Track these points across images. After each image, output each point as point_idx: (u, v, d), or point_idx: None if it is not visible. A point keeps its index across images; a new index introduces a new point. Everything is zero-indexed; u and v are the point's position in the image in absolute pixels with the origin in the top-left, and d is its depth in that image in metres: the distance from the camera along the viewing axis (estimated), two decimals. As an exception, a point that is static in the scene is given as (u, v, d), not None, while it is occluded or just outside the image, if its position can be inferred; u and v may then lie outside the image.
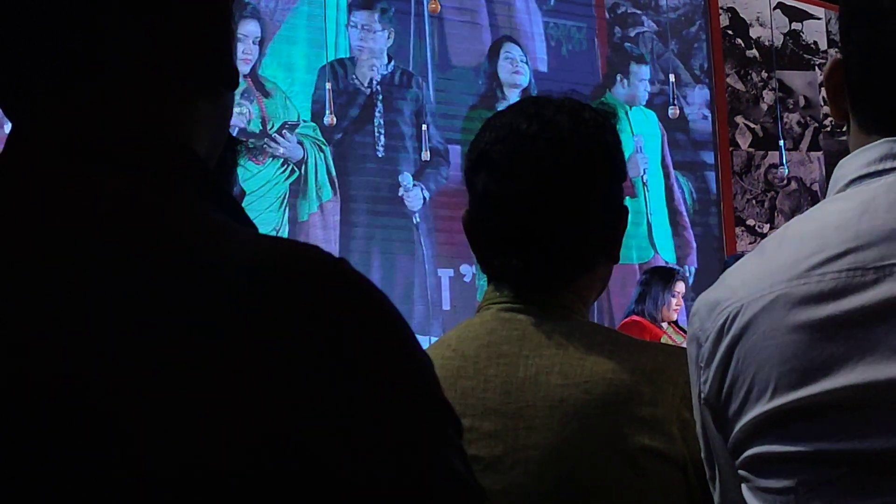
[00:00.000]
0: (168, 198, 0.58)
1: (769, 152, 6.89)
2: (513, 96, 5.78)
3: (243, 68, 5.11)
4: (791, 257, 0.82)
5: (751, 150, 6.96)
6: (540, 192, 1.09)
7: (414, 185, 5.58)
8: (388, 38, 5.64)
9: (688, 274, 5.95)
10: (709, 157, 6.66)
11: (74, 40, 0.61)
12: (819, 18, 7.22)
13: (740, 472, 0.86)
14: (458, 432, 0.58)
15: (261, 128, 5.28)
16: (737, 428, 0.84)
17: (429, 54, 5.72)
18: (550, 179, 1.09)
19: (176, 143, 0.62)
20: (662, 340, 4.28)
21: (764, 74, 7.04)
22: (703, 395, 0.88)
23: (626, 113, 6.27)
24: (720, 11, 6.99)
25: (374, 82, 5.54)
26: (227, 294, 0.52)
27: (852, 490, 0.77)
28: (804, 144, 7.07)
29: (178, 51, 0.64)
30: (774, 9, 7.05)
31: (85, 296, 0.51)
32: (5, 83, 0.62)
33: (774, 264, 0.83)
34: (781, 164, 6.18)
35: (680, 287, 4.48)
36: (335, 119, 5.14)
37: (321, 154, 5.42)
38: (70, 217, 0.55)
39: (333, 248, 5.16)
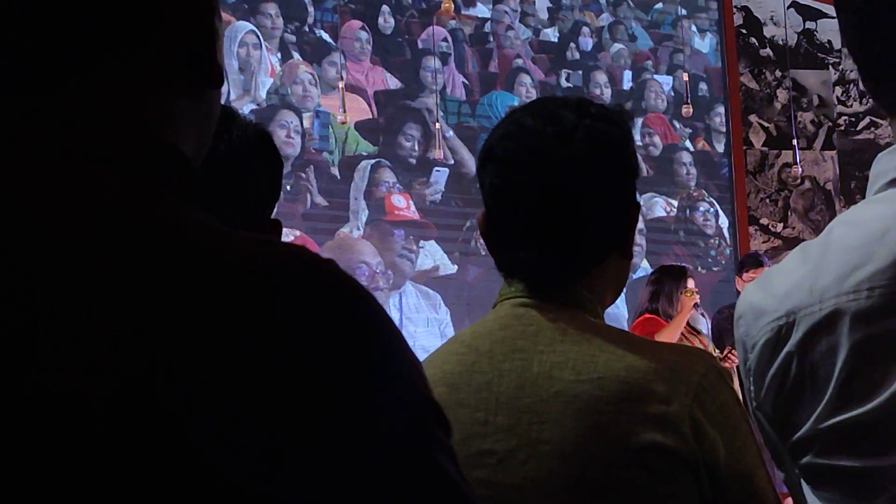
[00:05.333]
0: (154, 195, 0.57)
1: (783, 151, 6.87)
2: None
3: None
4: (838, 269, 0.79)
5: (764, 148, 6.94)
6: (542, 182, 1.09)
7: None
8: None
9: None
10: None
11: (63, 39, 0.60)
12: (833, 17, 7.18)
13: (802, 475, 0.86)
14: (447, 433, 0.57)
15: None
16: (795, 437, 0.83)
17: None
18: (553, 170, 1.09)
19: (161, 140, 0.61)
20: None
21: (778, 73, 7.02)
22: (754, 402, 0.87)
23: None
24: (734, 10, 6.98)
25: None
26: (212, 294, 0.51)
27: None
28: (818, 143, 7.04)
29: (164, 49, 0.64)
30: (788, 7, 7.03)
31: (78, 292, 0.51)
32: None
33: (822, 275, 0.80)
34: (795, 163, 6.17)
35: (690, 284, 4.55)
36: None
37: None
38: (61, 211, 0.54)
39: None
